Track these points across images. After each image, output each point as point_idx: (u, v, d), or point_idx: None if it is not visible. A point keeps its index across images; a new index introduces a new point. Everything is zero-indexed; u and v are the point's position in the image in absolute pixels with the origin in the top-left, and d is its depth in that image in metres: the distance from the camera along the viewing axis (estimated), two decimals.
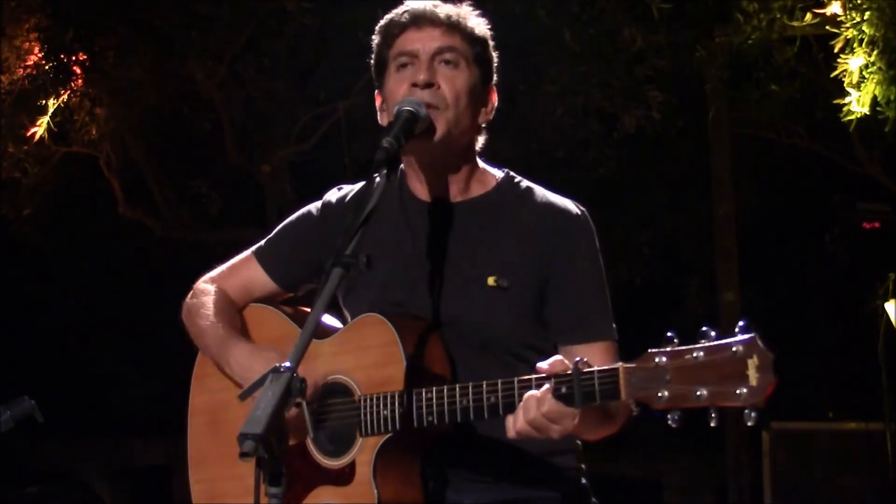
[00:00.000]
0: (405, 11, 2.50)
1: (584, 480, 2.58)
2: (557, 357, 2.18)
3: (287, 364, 1.96)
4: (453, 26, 2.48)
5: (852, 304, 5.92)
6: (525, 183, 2.55)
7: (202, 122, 7.22)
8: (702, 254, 7.48)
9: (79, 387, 9.33)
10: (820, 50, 6.90)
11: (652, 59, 6.57)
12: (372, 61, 2.57)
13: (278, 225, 2.71)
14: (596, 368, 2.10)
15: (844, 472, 5.91)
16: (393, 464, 2.36)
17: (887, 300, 5.64)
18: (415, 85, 2.43)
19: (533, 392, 2.14)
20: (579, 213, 2.50)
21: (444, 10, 2.49)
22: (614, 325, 2.48)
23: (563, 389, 2.12)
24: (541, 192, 2.53)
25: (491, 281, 2.42)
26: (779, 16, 6.27)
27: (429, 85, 2.43)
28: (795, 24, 6.40)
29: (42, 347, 8.86)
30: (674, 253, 7.64)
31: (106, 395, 9.04)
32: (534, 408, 2.13)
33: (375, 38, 2.55)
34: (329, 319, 2.59)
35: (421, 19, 2.48)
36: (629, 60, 6.57)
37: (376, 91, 2.58)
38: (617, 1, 6.33)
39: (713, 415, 1.97)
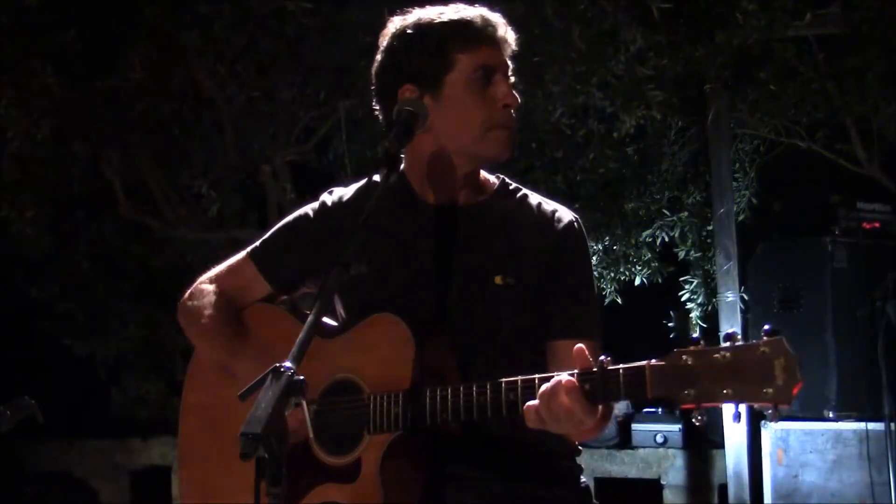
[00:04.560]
0: (486, 21, 2.50)
1: (583, 480, 2.59)
2: (579, 346, 2.20)
3: (287, 364, 1.96)
4: (510, 44, 2.54)
5: (852, 303, 5.92)
6: (518, 188, 2.62)
7: (202, 122, 7.22)
8: (702, 254, 7.49)
9: (79, 387, 9.34)
10: (820, 50, 6.91)
11: (652, 60, 6.57)
12: (417, 50, 2.48)
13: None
14: (622, 367, 2.13)
15: (844, 472, 5.91)
16: (400, 462, 2.36)
17: (887, 300, 5.64)
18: (507, 106, 2.48)
19: (560, 378, 2.17)
20: (573, 217, 2.58)
21: (504, 27, 2.54)
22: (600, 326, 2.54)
23: (587, 386, 2.15)
24: (535, 198, 2.60)
25: (498, 280, 2.47)
26: (779, 16, 6.27)
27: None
28: (796, 24, 6.41)
29: (42, 347, 8.86)
30: (674, 253, 7.64)
31: (106, 395, 9.04)
32: (561, 393, 2.15)
33: (438, 28, 2.48)
34: (329, 321, 2.59)
35: (501, 38, 2.51)
36: (629, 60, 6.57)
37: (406, 83, 2.49)
38: (617, 1, 6.33)
39: (738, 412, 2.05)
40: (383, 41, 2.55)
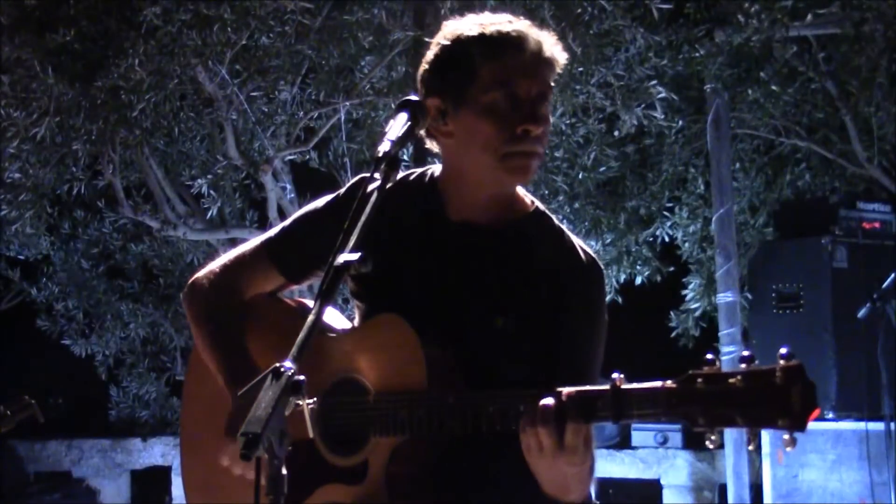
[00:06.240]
0: (518, 34, 2.32)
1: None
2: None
3: (287, 364, 1.95)
4: (552, 66, 2.36)
5: (852, 303, 5.92)
6: (552, 220, 2.50)
7: (202, 122, 7.22)
8: (702, 254, 7.49)
9: (79, 387, 9.34)
10: (820, 50, 6.92)
11: (652, 60, 6.57)
12: (445, 59, 2.35)
13: (283, 220, 2.65)
14: (635, 386, 2.10)
15: (844, 472, 5.91)
16: (406, 465, 2.34)
17: (887, 300, 5.64)
18: (526, 132, 2.31)
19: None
20: (595, 262, 2.47)
21: (549, 47, 2.35)
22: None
23: (599, 403, 2.12)
24: (568, 237, 2.47)
25: (499, 322, 2.39)
26: (780, 16, 6.28)
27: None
28: (796, 24, 6.41)
29: (42, 347, 8.87)
30: (674, 253, 7.64)
31: (106, 395, 9.05)
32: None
33: (465, 38, 2.33)
34: (337, 315, 2.57)
35: (533, 53, 2.32)
36: (629, 60, 6.58)
37: (433, 96, 2.36)
38: (617, 1, 6.33)
39: (750, 437, 2.03)
40: (432, 46, 2.41)
